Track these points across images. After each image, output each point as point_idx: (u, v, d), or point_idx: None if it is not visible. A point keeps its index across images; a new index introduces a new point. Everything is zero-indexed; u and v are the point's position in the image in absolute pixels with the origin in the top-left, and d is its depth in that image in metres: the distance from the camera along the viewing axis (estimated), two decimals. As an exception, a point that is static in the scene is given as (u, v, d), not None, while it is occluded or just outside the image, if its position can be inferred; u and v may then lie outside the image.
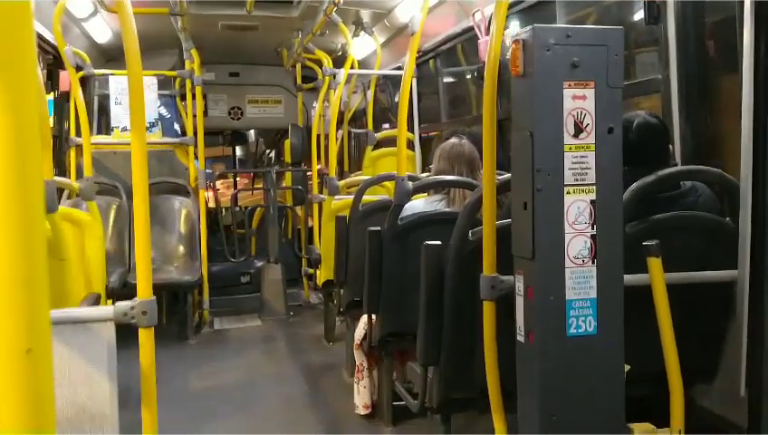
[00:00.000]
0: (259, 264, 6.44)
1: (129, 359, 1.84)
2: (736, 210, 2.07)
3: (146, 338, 1.72)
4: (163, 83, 6.30)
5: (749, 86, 2.00)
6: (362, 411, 3.36)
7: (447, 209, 2.89)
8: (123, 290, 4.32)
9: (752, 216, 1.99)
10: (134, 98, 1.76)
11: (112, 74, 5.46)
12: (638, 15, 3.30)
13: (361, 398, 3.36)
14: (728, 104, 2.79)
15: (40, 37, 4.19)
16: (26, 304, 0.51)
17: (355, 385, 3.39)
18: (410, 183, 2.85)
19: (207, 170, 6.24)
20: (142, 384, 1.73)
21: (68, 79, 4.74)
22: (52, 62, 5.09)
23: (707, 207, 2.23)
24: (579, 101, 1.66)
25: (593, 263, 1.66)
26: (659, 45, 2.77)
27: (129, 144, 4.83)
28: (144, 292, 1.71)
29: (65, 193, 4.58)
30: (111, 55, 6.03)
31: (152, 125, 5.61)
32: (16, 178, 0.53)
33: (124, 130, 5.60)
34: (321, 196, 4.96)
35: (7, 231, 0.51)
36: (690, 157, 2.58)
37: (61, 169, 5.33)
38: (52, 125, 5.14)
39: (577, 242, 1.65)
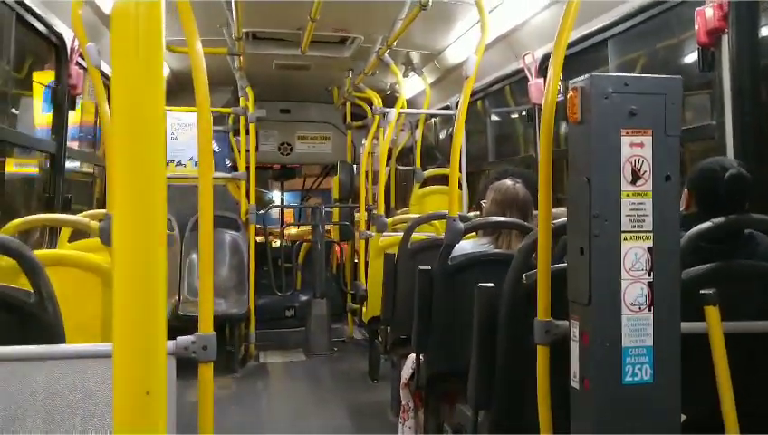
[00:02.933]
0: (304, 298, 6.51)
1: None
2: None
3: (205, 372, 1.75)
4: (216, 119, 6.50)
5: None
6: None
7: (497, 251, 2.89)
8: (174, 323, 4.42)
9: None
10: (203, 134, 1.82)
11: (171, 111, 5.66)
12: (688, 59, 3.30)
13: None
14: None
15: (105, 75, 4.38)
16: (147, 349, 0.55)
17: (400, 425, 3.37)
18: (461, 223, 2.87)
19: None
20: (200, 418, 1.76)
21: None
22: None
23: (766, 256, 2.19)
24: (636, 148, 1.67)
25: (650, 310, 1.65)
26: (713, 91, 2.77)
27: (184, 178, 4.97)
28: (205, 326, 1.75)
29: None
30: (168, 92, 6.25)
31: (207, 160, 5.75)
32: (141, 237, 0.57)
33: (179, 164, 5.78)
34: (369, 232, 5.01)
35: (133, 282, 0.55)
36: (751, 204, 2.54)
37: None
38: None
39: (633, 289, 1.65)
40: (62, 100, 3.74)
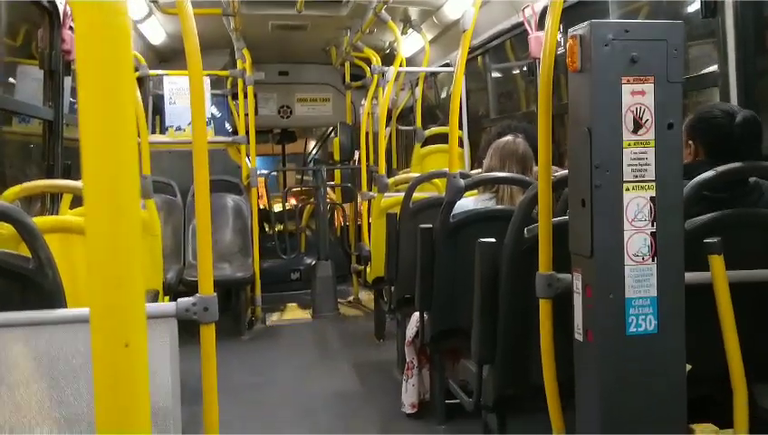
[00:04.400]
0: (308, 261, 6.52)
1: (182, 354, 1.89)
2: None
3: (207, 334, 1.75)
4: (214, 83, 6.43)
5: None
6: (408, 410, 3.34)
7: (498, 207, 2.88)
8: (179, 287, 4.44)
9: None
10: (195, 98, 1.79)
11: (167, 75, 5.59)
12: (692, 8, 3.23)
13: (409, 396, 3.35)
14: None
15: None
16: (124, 300, 0.54)
17: (403, 383, 3.40)
18: (462, 180, 2.85)
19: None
20: (204, 380, 1.77)
21: None
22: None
23: None
24: (638, 96, 1.64)
25: (653, 261, 1.64)
26: (716, 39, 2.71)
27: (184, 143, 4.94)
28: (205, 288, 1.75)
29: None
30: (165, 56, 6.18)
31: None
32: (113, 183, 0.55)
33: (178, 129, 5.74)
34: (371, 193, 4.99)
35: (107, 232, 0.54)
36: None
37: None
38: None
39: (636, 239, 1.63)
40: (56, 65, 3.68)
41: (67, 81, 3.84)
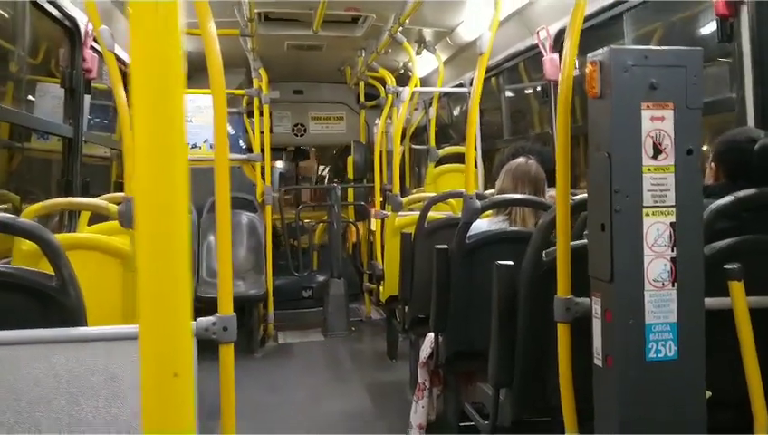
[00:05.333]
0: (321, 278, 6.53)
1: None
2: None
3: (226, 354, 1.76)
4: (230, 101, 6.49)
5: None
6: (416, 432, 3.32)
7: (514, 228, 2.88)
8: (193, 304, 4.44)
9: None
10: (218, 116, 1.81)
11: (185, 93, 5.63)
12: (705, 30, 3.24)
13: (417, 417, 3.32)
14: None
15: (120, 60, 4.38)
16: (173, 330, 0.54)
17: (413, 404, 3.37)
18: (478, 201, 2.86)
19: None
20: (222, 399, 1.78)
21: None
22: (127, 80, 5.31)
23: None
24: (657, 122, 1.64)
25: (673, 286, 1.63)
26: (733, 63, 2.72)
27: (200, 160, 5.00)
28: (225, 307, 1.76)
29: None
30: None
31: (221, 142, 5.77)
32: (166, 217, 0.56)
33: (194, 146, 5.79)
34: (385, 212, 5.00)
35: (157, 264, 0.55)
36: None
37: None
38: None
39: (656, 265, 1.63)
40: (76, 84, 3.74)
41: (86, 99, 3.90)
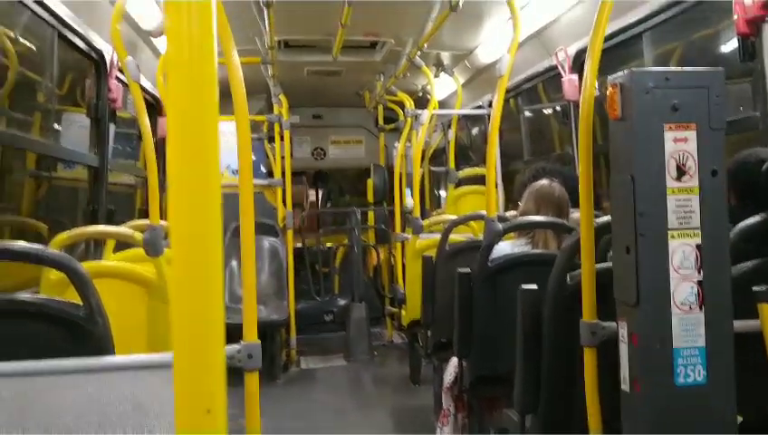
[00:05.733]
0: (342, 302, 6.52)
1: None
2: None
3: (251, 381, 1.76)
4: (251, 127, 6.55)
5: None
6: None
7: (536, 251, 2.86)
8: None
9: None
10: (242, 143, 1.83)
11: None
12: (726, 48, 3.22)
13: None
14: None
15: (144, 89, 4.47)
16: (207, 366, 0.55)
17: (438, 430, 3.33)
18: (500, 224, 2.85)
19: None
20: (247, 427, 1.78)
21: (165, 125, 5.01)
22: (151, 109, 5.41)
23: None
24: (680, 143, 1.63)
25: (701, 309, 1.61)
26: (754, 82, 2.70)
27: (223, 186, 5.05)
28: (250, 334, 1.77)
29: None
30: None
31: (242, 168, 5.83)
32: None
33: (216, 173, 5.84)
34: (405, 235, 5.00)
35: (191, 297, 0.56)
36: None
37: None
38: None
39: (683, 288, 1.61)
40: (102, 114, 3.81)
41: (111, 128, 3.97)
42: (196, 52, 0.65)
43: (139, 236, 2.67)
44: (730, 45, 3.04)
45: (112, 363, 1.71)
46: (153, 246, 2.53)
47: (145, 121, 2.75)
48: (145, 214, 4.33)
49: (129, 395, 1.70)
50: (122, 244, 3.26)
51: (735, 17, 2.61)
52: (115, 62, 3.73)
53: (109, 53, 3.74)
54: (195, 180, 0.62)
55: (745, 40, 2.64)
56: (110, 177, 3.98)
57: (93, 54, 3.69)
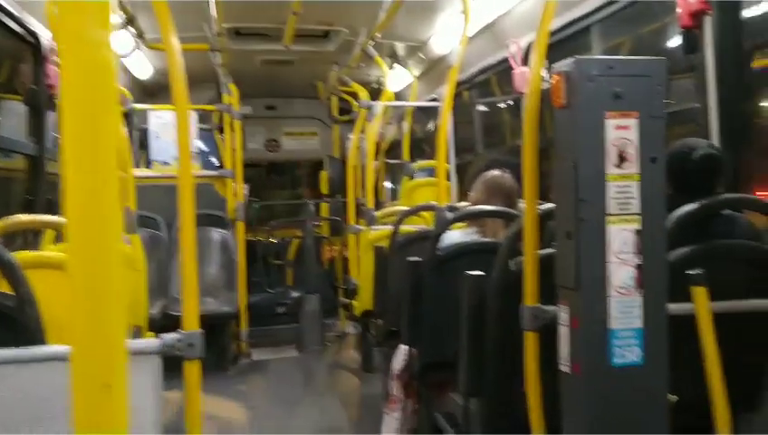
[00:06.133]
0: (295, 294, 6.49)
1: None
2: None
3: (192, 371, 1.72)
4: (201, 117, 6.45)
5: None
6: None
7: (485, 240, 2.88)
8: (163, 322, 4.39)
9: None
10: (181, 133, 1.79)
11: (153, 109, 5.61)
12: (673, 42, 3.30)
13: (390, 429, 3.29)
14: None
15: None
16: (106, 340, 0.53)
17: (385, 416, 3.34)
18: (449, 213, 2.86)
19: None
20: (187, 418, 1.74)
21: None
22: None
23: (746, 235, 2.19)
24: (622, 131, 1.66)
25: (638, 292, 1.65)
26: (697, 74, 2.76)
27: (169, 177, 4.94)
28: (190, 324, 1.73)
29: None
30: (151, 91, 6.20)
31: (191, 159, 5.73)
32: (97, 222, 0.55)
33: (164, 163, 5.74)
34: (359, 226, 4.99)
35: (89, 270, 0.53)
36: (730, 186, 2.55)
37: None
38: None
39: (622, 272, 1.64)
40: (40, 100, 3.68)
41: (50, 115, 3.84)
42: (89, 35, 0.62)
43: None
44: (677, 40, 3.11)
45: (44, 354, 1.65)
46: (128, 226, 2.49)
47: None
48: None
49: (64, 387, 1.65)
50: (62, 235, 3.16)
51: (679, 10, 2.67)
52: (53, 47, 3.60)
53: (47, 37, 3.61)
54: (90, 167, 0.59)
55: (689, 32, 2.70)
56: (51, 167, 3.85)
57: (29, 38, 3.56)
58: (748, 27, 2.67)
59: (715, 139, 2.62)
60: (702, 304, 1.76)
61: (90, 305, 0.54)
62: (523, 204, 2.90)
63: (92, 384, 0.53)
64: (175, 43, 1.74)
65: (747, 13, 2.70)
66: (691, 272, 1.78)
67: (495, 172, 3.07)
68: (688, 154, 2.19)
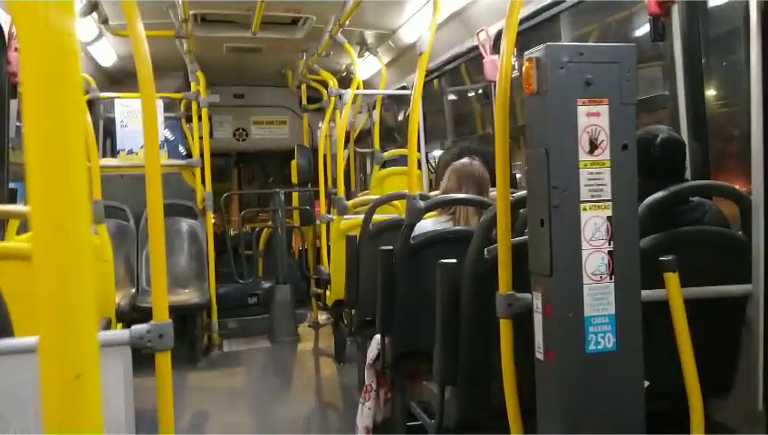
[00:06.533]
0: (266, 285, 6.44)
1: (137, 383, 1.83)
2: (748, 225, 2.07)
3: (162, 362, 1.70)
4: (168, 106, 6.35)
5: (758, 100, 2.01)
6: (362, 434, 3.30)
7: (458, 228, 2.89)
8: (132, 313, 4.32)
9: (765, 230, 2.00)
10: (148, 121, 1.75)
11: (118, 97, 5.49)
12: (640, 31, 3.33)
13: (364, 419, 3.29)
14: (735, 119, 2.80)
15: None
16: (75, 329, 0.51)
17: (360, 406, 3.34)
18: (421, 202, 2.86)
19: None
20: (159, 409, 1.72)
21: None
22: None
23: (715, 222, 2.23)
24: (593, 118, 1.67)
25: (611, 279, 1.66)
26: (665, 61, 2.79)
27: (136, 167, 4.86)
28: (160, 314, 1.70)
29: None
30: (116, 79, 6.08)
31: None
32: (65, 208, 0.53)
33: (130, 152, 5.64)
34: (330, 216, 4.97)
35: (55, 258, 0.51)
36: (699, 173, 2.59)
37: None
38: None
39: (594, 258, 1.65)
40: (1, 88, 3.58)
41: (13, 104, 3.74)
42: (52, 20, 0.59)
43: None
44: (645, 28, 3.13)
45: (9, 346, 1.61)
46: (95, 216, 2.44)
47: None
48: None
49: (30, 380, 1.60)
50: (27, 225, 3.09)
51: (647, -1, 2.69)
52: (14, 33, 3.50)
53: (7, 23, 3.50)
54: (55, 157, 0.56)
55: (656, 20, 2.72)
56: (14, 156, 3.75)
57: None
58: (715, 14, 2.71)
59: (684, 126, 2.65)
60: (674, 291, 1.78)
61: (57, 294, 0.52)
62: (494, 192, 2.93)
63: (63, 376, 0.51)
64: (140, 30, 1.70)
65: (714, 0, 2.73)
66: (663, 258, 1.80)
67: (465, 160, 3.08)
68: (651, 141, 2.22)
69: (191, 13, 4.36)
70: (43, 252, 0.53)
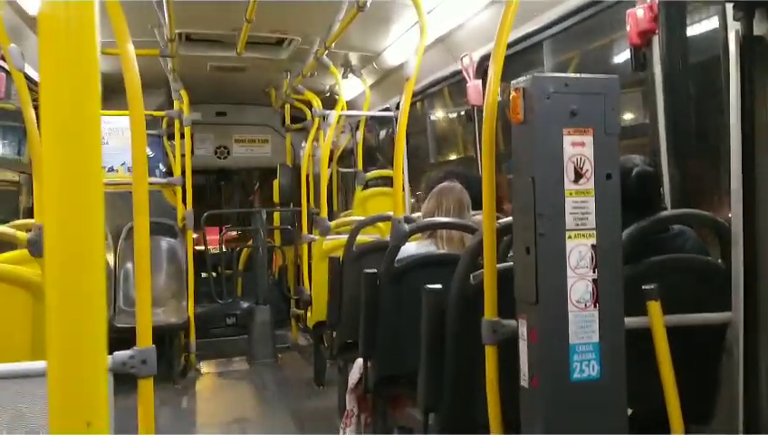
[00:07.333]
0: (245, 305, 6.39)
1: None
2: (727, 253, 2.11)
3: (145, 388, 1.68)
4: (149, 123, 6.31)
5: (737, 129, 2.06)
6: None
7: (442, 252, 2.90)
8: (110, 334, 4.25)
9: (744, 258, 2.03)
10: (136, 139, 1.75)
11: (104, 115, 5.45)
12: (619, 58, 3.39)
13: None
14: (716, 148, 2.85)
15: (29, 79, 4.19)
16: (86, 374, 0.50)
17: (341, 430, 3.31)
18: (406, 225, 2.86)
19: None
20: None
21: None
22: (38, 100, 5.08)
23: (695, 250, 2.27)
24: (578, 147, 1.69)
25: (595, 307, 1.67)
26: (646, 90, 2.84)
27: (117, 184, 4.79)
28: (144, 340, 1.68)
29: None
30: None
31: (139, 166, 5.59)
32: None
33: (110, 170, 5.59)
34: (312, 236, 4.95)
35: (69, 300, 0.51)
36: (678, 201, 2.63)
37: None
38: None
39: (579, 286, 1.66)
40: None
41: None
42: (74, 39, 0.59)
43: (22, 235, 2.49)
44: (622, 56, 3.19)
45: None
46: (38, 247, 2.37)
47: (30, 114, 2.57)
48: (31, 213, 4.05)
49: (10, 405, 1.58)
50: (5, 246, 3.04)
51: (628, 29, 2.74)
52: None
53: None
54: (74, 176, 0.56)
55: (637, 50, 2.77)
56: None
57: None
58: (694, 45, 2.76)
59: (664, 153, 2.69)
60: (656, 319, 1.80)
61: (71, 332, 0.51)
62: (477, 217, 2.94)
63: (73, 422, 0.50)
64: (130, 49, 1.70)
65: (693, 31, 2.79)
66: (646, 287, 1.82)
67: (446, 183, 3.10)
68: (627, 173, 2.24)
69: (177, 32, 4.35)
70: (58, 283, 0.52)
